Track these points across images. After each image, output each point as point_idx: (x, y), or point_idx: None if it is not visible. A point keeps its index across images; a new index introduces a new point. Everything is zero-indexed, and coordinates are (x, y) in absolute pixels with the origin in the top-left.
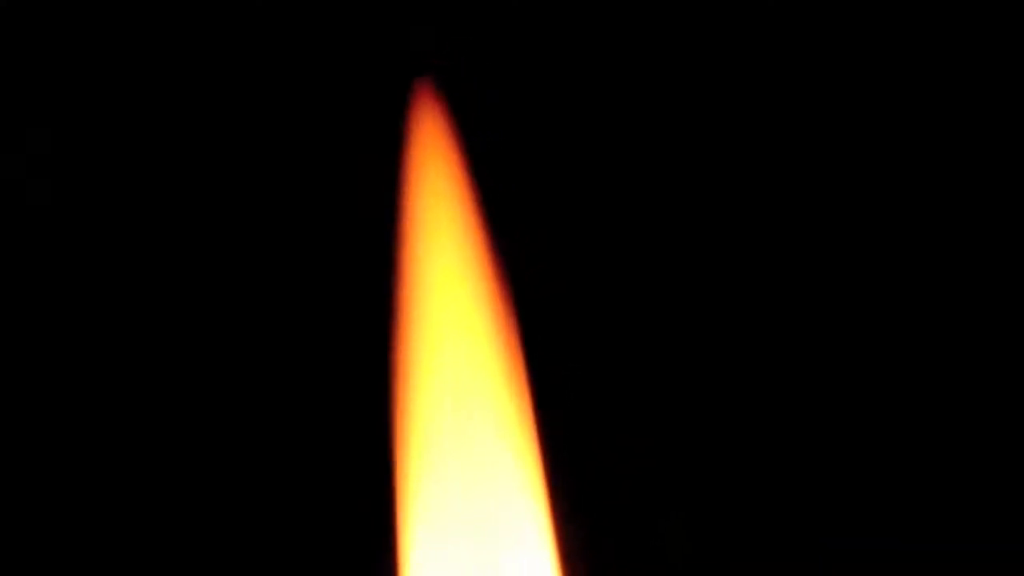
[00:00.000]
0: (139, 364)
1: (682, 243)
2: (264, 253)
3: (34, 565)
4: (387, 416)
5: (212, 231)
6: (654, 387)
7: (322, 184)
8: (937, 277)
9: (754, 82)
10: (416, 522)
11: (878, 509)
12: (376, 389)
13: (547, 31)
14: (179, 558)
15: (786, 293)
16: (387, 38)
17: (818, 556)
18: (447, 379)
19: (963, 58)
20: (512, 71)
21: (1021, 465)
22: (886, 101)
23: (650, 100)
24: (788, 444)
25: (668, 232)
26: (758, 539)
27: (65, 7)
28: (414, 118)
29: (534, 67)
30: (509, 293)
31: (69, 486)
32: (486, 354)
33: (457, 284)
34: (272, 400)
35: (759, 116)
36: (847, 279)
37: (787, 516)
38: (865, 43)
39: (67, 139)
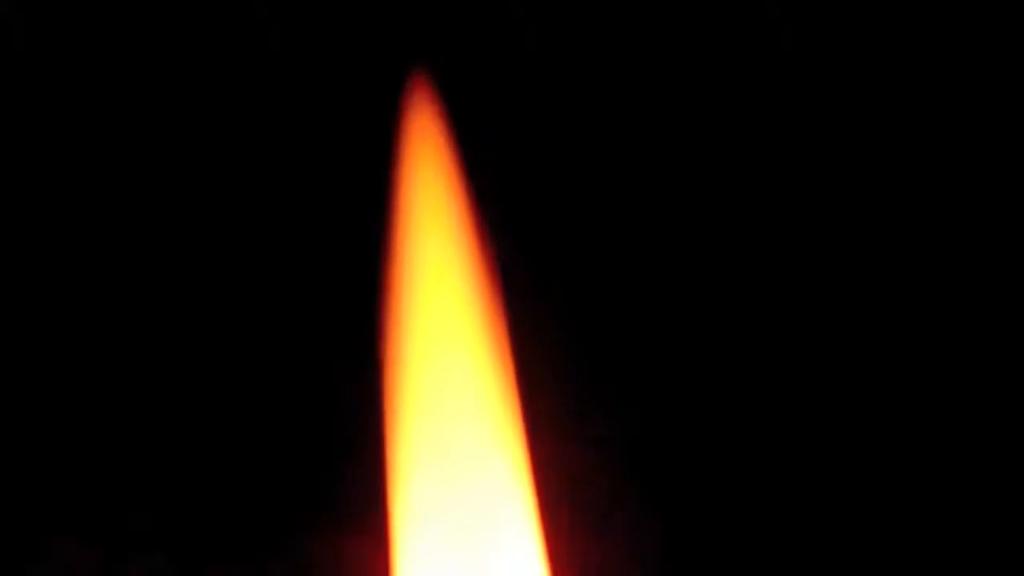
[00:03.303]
0: (135, 364)
1: (674, 241)
2: (254, 250)
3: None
4: (376, 415)
5: (202, 228)
6: (646, 387)
7: (314, 180)
8: (941, 283)
9: (752, 83)
10: (405, 523)
11: (868, 514)
12: (365, 387)
13: (541, 26)
14: (174, 559)
15: (775, 296)
16: (381, 33)
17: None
18: (436, 377)
19: (963, 59)
20: (506, 66)
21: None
22: (889, 103)
23: (644, 97)
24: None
25: (660, 229)
26: (742, 544)
27: (65, 7)
28: (407, 114)
29: (528, 62)
30: (499, 290)
31: (72, 485)
32: (475, 352)
33: (447, 281)
34: (262, 400)
35: (755, 111)
36: (845, 283)
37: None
38: (867, 45)
39: (67, 139)
